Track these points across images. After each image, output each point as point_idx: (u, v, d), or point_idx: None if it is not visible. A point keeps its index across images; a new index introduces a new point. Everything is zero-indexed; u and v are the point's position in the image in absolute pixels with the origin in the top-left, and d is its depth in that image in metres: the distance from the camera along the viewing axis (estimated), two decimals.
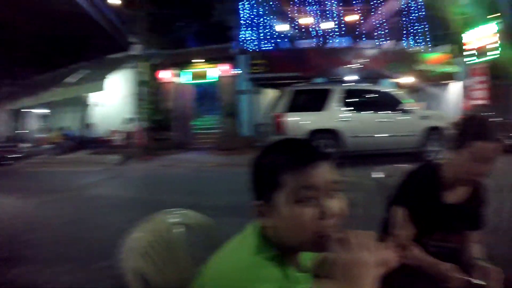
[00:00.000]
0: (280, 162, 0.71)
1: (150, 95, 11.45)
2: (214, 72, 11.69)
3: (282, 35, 10.90)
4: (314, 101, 7.32)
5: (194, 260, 1.01)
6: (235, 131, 10.36)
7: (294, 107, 7.06)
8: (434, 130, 7.43)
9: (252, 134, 9.76)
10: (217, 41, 11.37)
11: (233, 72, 11.15)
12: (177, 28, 12.34)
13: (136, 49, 11.30)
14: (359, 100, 7.55)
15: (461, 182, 1.31)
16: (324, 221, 0.69)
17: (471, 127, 1.25)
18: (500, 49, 10.59)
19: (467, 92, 11.23)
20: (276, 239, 0.71)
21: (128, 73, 11.64)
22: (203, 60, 11.67)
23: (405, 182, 1.36)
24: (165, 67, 12.02)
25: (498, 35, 10.67)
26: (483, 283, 1.14)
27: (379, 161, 6.29)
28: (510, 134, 10.09)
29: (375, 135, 7.28)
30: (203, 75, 11.95)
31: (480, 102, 10.75)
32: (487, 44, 10.81)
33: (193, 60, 11.72)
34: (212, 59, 11.52)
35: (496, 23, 11.01)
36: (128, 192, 6.40)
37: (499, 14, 11.66)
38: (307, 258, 0.81)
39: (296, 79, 9.47)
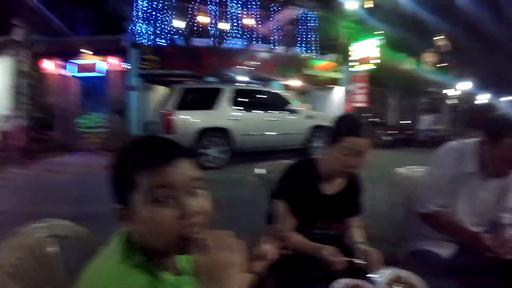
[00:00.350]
0: (135, 161, 0.68)
1: (30, 89, 10.06)
2: (103, 65, 10.86)
3: (177, 32, 10.68)
4: (205, 100, 7.42)
5: (69, 274, 0.92)
6: (123, 130, 9.74)
7: (185, 106, 7.06)
8: (318, 128, 8.27)
9: (141, 133, 9.33)
10: (109, 31, 10.59)
11: (123, 66, 10.49)
12: (66, 14, 11.00)
13: (18, 34, 9.69)
14: (249, 100, 7.88)
15: (337, 174, 1.41)
16: (185, 221, 0.66)
17: (343, 124, 1.36)
18: (379, 60, 12.68)
19: (349, 96, 12.93)
20: (141, 244, 0.67)
21: (5, 62, 9.92)
22: (92, 52, 10.67)
23: (285, 176, 1.43)
24: (49, 56, 10.65)
25: (378, 49, 12.75)
26: (364, 262, 1.23)
27: (265, 158, 6.59)
28: (387, 132, 12.11)
29: (264, 133, 7.73)
30: (91, 68, 10.95)
31: (360, 105, 12.64)
32: (369, 56, 12.78)
33: (81, 51, 10.60)
34: (102, 51, 10.63)
35: (377, 39, 13.13)
36: (1, 205, 5.42)
37: (381, 31, 13.83)
38: (185, 260, 0.77)
39: (188, 77, 9.48)
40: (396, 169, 1.86)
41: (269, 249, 0.92)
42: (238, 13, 11.75)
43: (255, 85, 9.11)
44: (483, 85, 28.30)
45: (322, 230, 1.43)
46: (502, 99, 40.32)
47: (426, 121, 14.32)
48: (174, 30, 10.84)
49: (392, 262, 1.51)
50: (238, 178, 5.64)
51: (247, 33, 11.86)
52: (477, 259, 1.41)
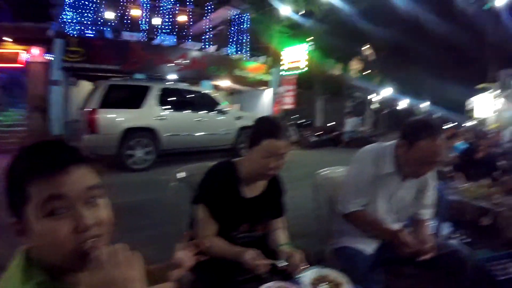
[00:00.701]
0: (25, 169, 0.63)
1: None
2: (24, 56, 10.01)
3: (107, 23, 10.19)
4: (131, 98, 7.18)
5: None
6: (44, 129, 9.00)
7: (109, 103, 6.72)
8: (247, 129, 8.39)
9: (63, 132, 8.79)
10: (34, 19, 9.78)
11: (45, 57, 9.78)
12: None
13: None
14: (178, 99, 7.82)
15: (257, 177, 1.42)
16: (80, 234, 0.62)
17: (262, 127, 1.37)
18: (307, 65, 13.64)
19: (278, 97, 13.73)
20: (41, 261, 0.63)
21: None
22: (12, 40, 9.76)
23: (204, 180, 1.42)
24: None
25: (308, 54, 13.72)
26: (285, 263, 1.27)
27: (194, 159, 6.72)
28: (314, 133, 13.03)
29: (193, 134, 7.74)
30: (11, 59, 10.00)
31: (288, 106, 13.52)
32: (297, 60, 13.74)
33: (1, 38, 9.64)
34: (25, 40, 9.78)
35: (307, 44, 14.12)
36: None
37: (312, 37, 14.78)
38: None
39: (116, 72, 9.17)
40: (320, 170, 1.90)
41: (184, 256, 0.91)
42: (171, 9, 11.65)
43: (185, 84, 8.87)
44: (402, 91, 32.00)
45: (246, 233, 1.44)
46: (422, 104, 45.87)
47: (350, 123, 15.17)
48: (103, 21, 10.35)
49: (319, 260, 1.62)
50: (164, 180, 5.61)
51: (179, 30, 11.80)
52: (398, 253, 1.53)
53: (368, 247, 1.61)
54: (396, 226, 1.61)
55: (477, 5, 4.52)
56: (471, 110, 26.08)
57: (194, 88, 8.96)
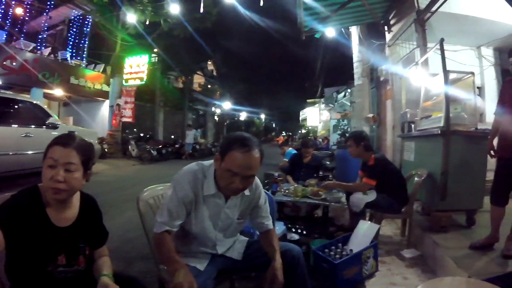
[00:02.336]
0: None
1: None
2: None
3: None
4: None
5: None
6: None
7: None
8: None
9: None
10: None
11: None
12: None
13: None
14: (0, 110, 6.61)
15: (49, 195, 1.30)
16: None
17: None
18: (147, 77, 14.24)
19: (117, 109, 13.89)
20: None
21: None
22: None
23: (4, 206, 1.25)
24: None
25: (148, 66, 14.28)
26: None
27: (20, 183, 6.17)
28: (155, 146, 13.71)
29: (18, 152, 6.82)
30: None
31: (127, 119, 13.86)
32: (138, 72, 14.23)
33: None
34: None
35: (150, 56, 14.63)
36: None
37: (155, 49, 15.36)
38: None
39: None
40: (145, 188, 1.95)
41: None
42: None
43: (10, 92, 7.80)
44: (242, 104, 36.90)
45: (65, 267, 1.33)
46: (261, 115, 53.32)
47: (190, 135, 16.03)
48: None
49: (160, 281, 1.77)
50: None
51: (12, 25, 10.67)
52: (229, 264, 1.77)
53: (199, 264, 1.67)
54: (223, 240, 1.76)
55: (312, 33, 6.53)
56: (305, 119, 32.40)
57: (21, 97, 7.75)
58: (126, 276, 1.57)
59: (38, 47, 11.60)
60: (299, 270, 1.74)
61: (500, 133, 2.75)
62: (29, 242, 1.25)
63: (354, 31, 7.83)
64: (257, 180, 1.77)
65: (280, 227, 3.10)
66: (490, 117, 5.43)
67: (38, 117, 7.30)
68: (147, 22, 12.51)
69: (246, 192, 1.70)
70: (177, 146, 16.02)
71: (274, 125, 69.69)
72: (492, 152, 2.81)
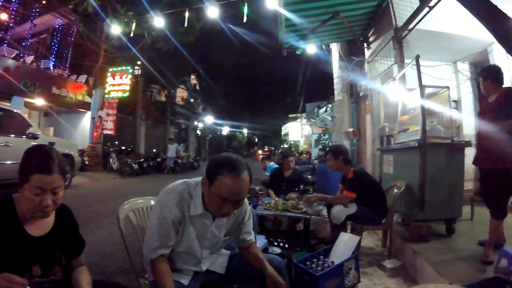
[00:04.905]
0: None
1: None
2: None
3: None
4: None
5: None
6: None
7: None
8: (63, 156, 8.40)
9: None
10: None
11: None
12: None
13: None
14: None
15: (35, 215, 1.31)
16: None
17: (31, 161, 1.28)
18: (130, 90, 14.15)
19: (98, 122, 13.75)
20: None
21: None
22: None
23: None
24: None
25: (130, 78, 14.23)
26: None
27: None
28: (136, 160, 13.43)
29: None
30: None
31: (108, 132, 13.64)
32: (121, 84, 14.15)
33: None
34: None
35: (133, 68, 14.57)
36: None
37: (138, 62, 15.30)
38: None
39: None
40: (123, 202, 1.91)
41: None
42: None
43: None
44: (223, 118, 37.01)
45: (40, 277, 1.33)
46: (243, 130, 53.44)
47: (172, 150, 15.86)
48: None
49: None
50: None
51: None
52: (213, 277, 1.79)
53: (184, 279, 1.64)
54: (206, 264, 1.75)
55: (293, 49, 6.60)
56: (287, 134, 32.71)
57: (2, 105, 7.65)
58: (110, 283, 1.62)
59: (21, 55, 11.31)
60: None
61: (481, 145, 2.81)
62: (3, 252, 1.24)
63: (334, 47, 8.04)
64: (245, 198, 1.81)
65: (261, 241, 3.09)
66: (467, 129, 5.64)
67: (18, 126, 7.13)
68: (131, 35, 12.41)
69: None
70: (158, 160, 15.82)
71: (256, 139, 69.91)
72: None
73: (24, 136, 7.09)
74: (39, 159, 1.27)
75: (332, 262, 2.63)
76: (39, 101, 11.73)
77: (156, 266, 1.53)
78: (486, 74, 2.91)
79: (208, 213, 1.61)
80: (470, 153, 3.10)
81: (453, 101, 5.88)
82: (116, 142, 14.17)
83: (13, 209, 1.32)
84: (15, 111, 7.46)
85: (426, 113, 3.54)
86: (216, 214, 1.58)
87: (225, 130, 43.04)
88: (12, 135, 6.93)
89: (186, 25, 9.95)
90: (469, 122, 5.60)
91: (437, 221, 3.52)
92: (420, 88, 3.61)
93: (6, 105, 8.02)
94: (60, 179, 1.30)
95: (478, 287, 1.38)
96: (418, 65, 3.67)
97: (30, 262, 1.31)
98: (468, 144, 3.56)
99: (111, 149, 13.51)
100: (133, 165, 13.01)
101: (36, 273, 1.32)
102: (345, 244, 2.80)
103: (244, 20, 8.65)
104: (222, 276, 1.79)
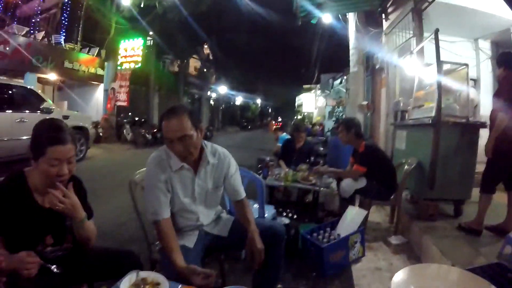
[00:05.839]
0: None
1: None
2: None
3: None
4: None
5: None
6: None
7: None
8: (76, 129, 7.86)
9: None
10: None
11: None
12: None
13: None
14: None
15: (50, 186, 1.35)
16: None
17: (43, 134, 1.32)
18: (142, 61, 14.07)
19: (111, 93, 13.83)
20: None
21: None
22: None
23: None
24: None
25: (142, 50, 14.10)
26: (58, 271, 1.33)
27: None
28: (149, 131, 13.60)
29: (13, 138, 6.74)
30: None
31: (122, 103, 13.75)
32: (133, 55, 14.06)
33: None
34: None
35: (143, 40, 14.37)
36: None
37: (150, 32, 15.10)
38: None
39: None
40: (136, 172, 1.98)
41: None
42: None
43: (3, 78, 7.89)
44: (237, 89, 36.75)
45: (53, 246, 1.40)
46: (256, 100, 53.15)
47: None
48: None
49: (152, 262, 1.85)
50: None
51: (4, 10, 10.40)
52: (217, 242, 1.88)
53: (188, 241, 1.74)
54: (205, 211, 1.85)
55: (308, 18, 6.46)
56: (300, 105, 32.37)
57: (13, 82, 7.82)
58: (121, 250, 1.65)
59: (32, 32, 11.33)
60: (278, 248, 1.82)
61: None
62: (18, 224, 1.31)
63: (351, 18, 7.76)
64: (224, 150, 1.90)
65: (270, 211, 3.13)
66: (484, 110, 5.48)
67: (32, 102, 7.28)
68: (142, 5, 12.36)
69: (212, 160, 1.81)
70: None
71: (270, 110, 69.55)
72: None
73: (39, 112, 7.21)
74: (52, 131, 1.33)
75: (338, 235, 2.73)
76: (52, 76, 11.83)
77: (159, 229, 1.63)
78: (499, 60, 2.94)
79: (188, 166, 1.73)
80: (485, 134, 3.02)
81: (472, 79, 5.67)
82: (130, 113, 14.28)
83: (25, 183, 1.38)
84: (28, 87, 7.58)
85: (442, 90, 3.45)
86: (181, 159, 1.68)
87: (239, 101, 42.83)
88: (27, 111, 7.03)
89: None
90: (487, 102, 5.43)
91: (445, 201, 3.52)
92: (438, 64, 3.49)
93: (19, 82, 8.17)
94: (73, 148, 1.37)
95: (479, 271, 1.41)
96: (437, 39, 3.53)
97: (43, 233, 1.39)
98: (483, 125, 3.45)
99: (125, 120, 13.68)
100: (147, 135, 13.14)
101: (49, 242, 1.40)
102: (352, 218, 2.88)
103: None
104: (226, 241, 1.87)
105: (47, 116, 6.93)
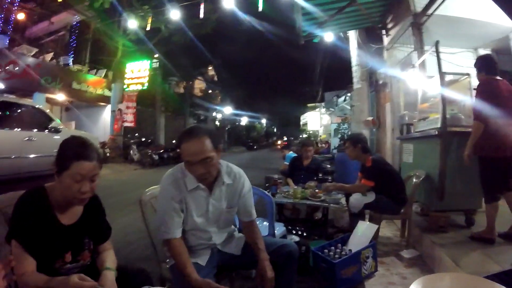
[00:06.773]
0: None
1: None
2: None
3: None
4: None
5: None
6: None
7: None
8: None
9: None
10: None
11: None
12: None
13: None
14: (3, 114, 6.84)
15: (72, 203, 1.40)
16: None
17: (69, 149, 1.35)
18: (148, 82, 14.36)
19: (118, 114, 14.04)
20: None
21: None
22: None
23: (14, 212, 1.35)
24: None
25: (148, 71, 14.44)
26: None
27: (22, 187, 6.42)
28: (155, 151, 13.72)
29: (21, 156, 6.91)
30: None
31: (129, 124, 13.93)
32: (140, 77, 14.41)
33: None
34: None
35: (151, 61, 14.76)
36: None
37: (156, 55, 15.49)
38: None
39: None
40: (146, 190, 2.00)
41: None
42: (9, 2, 10.42)
43: (12, 97, 7.74)
44: (242, 109, 37.08)
45: (71, 263, 1.41)
46: (261, 120, 53.46)
47: None
48: None
49: (161, 280, 1.85)
50: None
51: (15, 30, 10.68)
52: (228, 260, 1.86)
53: (200, 259, 1.74)
54: (217, 233, 1.84)
55: (310, 38, 6.56)
56: (305, 124, 32.54)
57: (22, 101, 7.89)
58: (133, 267, 1.64)
59: (40, 52, 11.69)
60: (289, 266, 1.79)
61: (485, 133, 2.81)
62: (39, 241, 1.31)
63: (353, 35, 7.88)
64: (240, 170, 1.87)
65: (280, 229, 3.10)
66: None
67: (41, 121, 7.43)
68: (148, 28, 12.58)
69: (227, 180, 1.78)
70: (178, 150, 15.82)
71: (275, 129, 69.80)
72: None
73: (47, 130, 7.39)
74: (79, 147, 1.35)
75: (350, 250, 2.67)
76: (60, 97, 12.11)
77: (171, 247, 1.65)
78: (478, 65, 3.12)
79: (203, 186, 1.71)
80: None
81: (475, 89, 5.69)
82: (136, 134, 14.47)
83: (47, 199, 1.38)
84: (37, 106, 7.69)
85: (446, 100, 3.46)
86: (199, 180, 1.67)
87: (244, 121, 43.12)
88: (35, 130, 7.19)
89: (202, 16, 9.97)
90: None
91: (456, 211, 3.47)
92: (440, 75, 3.52)
93: (28, 101, 8.33)
94: (97, 167, 1.37)
95: (495, 278, 1.38)
96: (437, 51, 3.58)
97: (63, 250, 1.39)
98: None
99: (132, 141, 13.86)
100: (154, 156, 13.30)
101: (68, 259, 1.40)
102: (363, 233, 2.83)
103: (260, 9, 8.61)
104: (239, 260, 1.84)
105: (55, 136, 7.46)
